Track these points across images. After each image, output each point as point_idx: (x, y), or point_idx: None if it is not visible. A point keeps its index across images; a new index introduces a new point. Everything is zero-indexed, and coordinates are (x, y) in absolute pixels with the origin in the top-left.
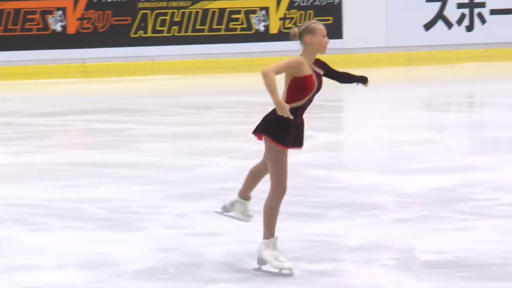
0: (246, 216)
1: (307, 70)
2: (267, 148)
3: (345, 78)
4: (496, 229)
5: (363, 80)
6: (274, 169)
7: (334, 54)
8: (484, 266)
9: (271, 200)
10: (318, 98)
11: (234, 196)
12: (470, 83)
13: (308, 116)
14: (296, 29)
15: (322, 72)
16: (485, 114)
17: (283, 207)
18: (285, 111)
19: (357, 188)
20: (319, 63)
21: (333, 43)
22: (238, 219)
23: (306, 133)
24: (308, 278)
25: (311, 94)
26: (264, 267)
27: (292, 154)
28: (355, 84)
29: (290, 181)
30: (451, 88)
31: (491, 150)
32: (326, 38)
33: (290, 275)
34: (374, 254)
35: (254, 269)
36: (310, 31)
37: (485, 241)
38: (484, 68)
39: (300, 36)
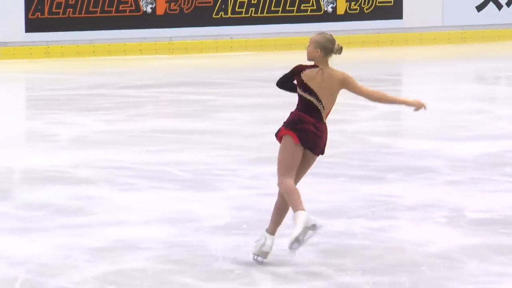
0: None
1: None
2: (313, 161)
3: None
4: None
5: None
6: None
7: (395, 33)
8: None
9: None
10: (380, 73)
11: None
12: None
13: (372, 88)
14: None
15: None
16: None
17: (346, 169)
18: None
19: (413, 153)
20: None
21: (393, 23)
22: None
23: (367, 103)
24: (367, 234)
25: None
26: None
27: (355, 123)
28: None
29: (354, 147)
30: (500, 64)
31: None
32: None
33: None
34: (427, 213)
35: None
36: None
37: None
38: None
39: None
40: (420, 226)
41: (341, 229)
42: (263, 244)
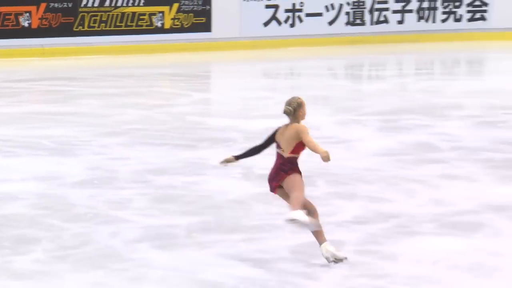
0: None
1: None
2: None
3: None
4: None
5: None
6: None
7: (205, 42)
8: None
9: None
10: (196, 71)
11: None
12: (293, 61)
13: (186, 81)
14: (290, 108)
15: None
16: (301, 81)
17: (170, 140)
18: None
19: (218, 128)
20: None
21: (205, 35)
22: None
23: (186, 92)
24: (185, 186)
25: None
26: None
27: (177, 106)
28: None
29: (176, 124)
30: (280, 64)
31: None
32: None
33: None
34: (228, 170)
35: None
36: (301, 106)
37: None
38: (302, 51)
39: (294, 112)
40: (222, 180)
41: (166, 183)
42: (333, 253)
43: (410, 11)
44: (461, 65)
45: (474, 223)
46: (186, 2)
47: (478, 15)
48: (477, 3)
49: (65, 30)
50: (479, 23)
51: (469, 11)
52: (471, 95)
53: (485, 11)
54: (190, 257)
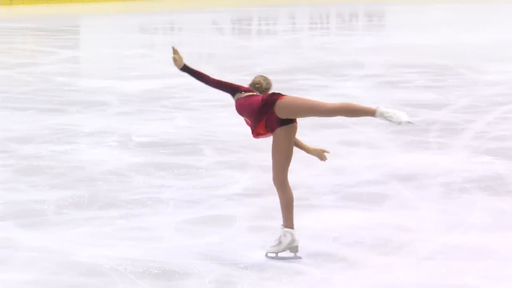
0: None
1: None
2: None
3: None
4: (188, 118)
5: None
6: None
7: None
8: (179, 144)
9: None
10: (63, 23)
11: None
12: (172, 14)
13: (51, 37)
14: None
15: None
16: (182, 36)
17: (35, 104)
18: None
19: (90, 90)
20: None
21: None
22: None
23: (52, 49)
24: (53, 156)
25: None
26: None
27: (42, 66)
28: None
29: (41, 85)
30: (158, 17)
31: (188, 62)
32: None
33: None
34: (102, 138)
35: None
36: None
37: (181, 127)
38: (183, 2)
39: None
40: (96, 149)
41: (32, 153)
42: (293, 240)
43: None
44: (359, 19)
45: (378, 194)
46: None
47: None
48: None
49: None
50: None
51: None
52: (371, 52)
53: None
54: (61, 237)
